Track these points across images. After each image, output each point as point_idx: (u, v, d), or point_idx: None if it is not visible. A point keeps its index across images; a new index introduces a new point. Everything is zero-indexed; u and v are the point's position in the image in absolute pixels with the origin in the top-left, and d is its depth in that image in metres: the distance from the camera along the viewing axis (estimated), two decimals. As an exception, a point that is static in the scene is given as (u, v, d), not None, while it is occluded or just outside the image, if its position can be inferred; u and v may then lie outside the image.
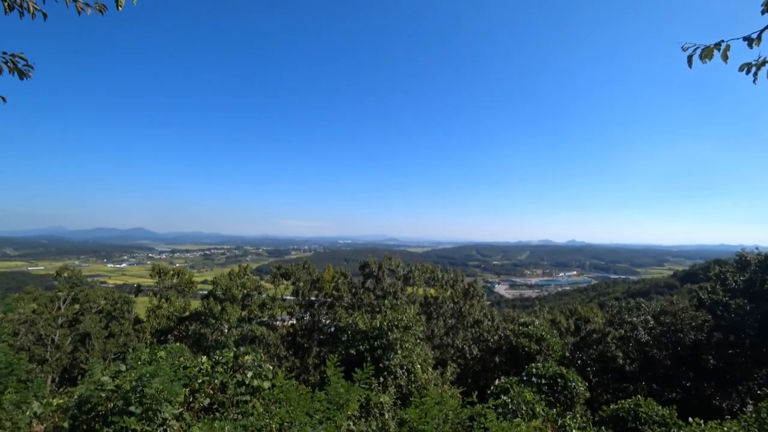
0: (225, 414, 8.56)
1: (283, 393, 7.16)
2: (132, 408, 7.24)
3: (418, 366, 13.93)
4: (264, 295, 33.23)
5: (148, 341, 31.20)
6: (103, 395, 7.40)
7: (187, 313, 32.58)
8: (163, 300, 32.52)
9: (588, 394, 13.89)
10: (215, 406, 8.96)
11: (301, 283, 32.56)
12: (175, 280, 33.33)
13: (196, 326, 30.61)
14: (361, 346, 13.84)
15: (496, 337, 23.87)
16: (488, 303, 41.59)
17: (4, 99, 3.51)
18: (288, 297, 35.09)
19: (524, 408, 10.97)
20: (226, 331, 30.62)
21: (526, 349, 19.46)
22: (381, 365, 13.20)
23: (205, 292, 32.61)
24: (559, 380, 13.67)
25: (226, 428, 6.99)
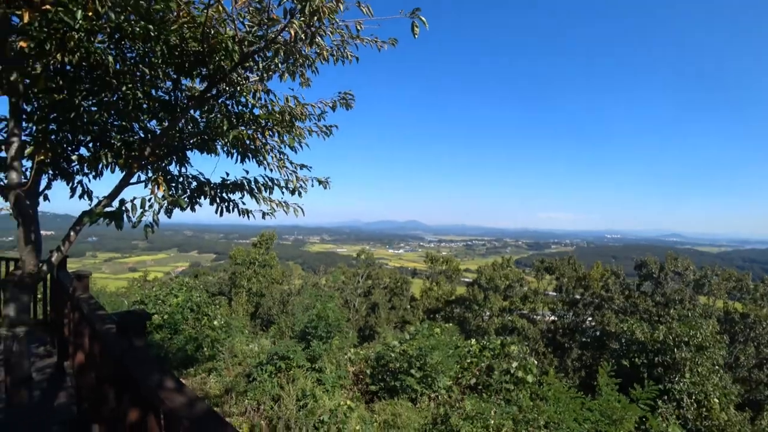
0: (489, 397, 8.95)
1: (552, 391, 7.06)
2: (413, 371, 8.42)
3: (715, 400, 11.18)
4: (525, 288, 33.11)
5: (421, 317, 35.64)
6: (392, 355, 8.79)
7: (453, 297, 35.53)
8: (434, 283, 36.53)
9: None
10: (479, 387, 9.44)
11: (565, 279, 31.08)
12: (444, 267, 36.96)
13: (461, 310, 33.28)
14: (636, 359, 12.24)
15: None
16: None
17: (336, 127, 4.43)
18: (550, 292, 33.85)
19: None
20: (487, 318, 31.99)
21: None
22: (661, 387, 11.29)
23: (468, 280, 34.94)
24: None
25: (493, 410, 7.31)
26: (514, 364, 9.37)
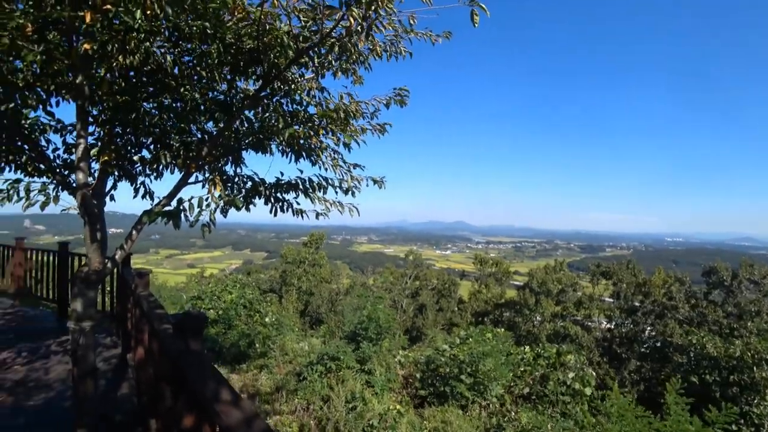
0: (544, 409, 8.55)
1: (616, 408, 6.54)
2: (463, 377, 8.14)
3: (808, 430, 10.07)
4: (579, 293, 31.61)
5: (469, 320, 34.98)
6: (443, 360, 8.55)
7: (503, 301, 34.59)
8: (482, 286, 35.74)
9: None
10: (533, 397, 9.06)
11: (624, 285, 29.18)
12: (493, 269, 36.05)
13: (511, 314, 32.29)
14: (708, 376, 11.18)
15: None
16: None
17: (390, 125, 4.26)
18: (606, 298, 32.08)
19: None
20: (538, 323, 30.84)
21: None
22: (738, 409, 10.26)
23: (518, 283, 33.83)
24: None
25: (550, 425, 6.94)
26: (571, 375, 8.88)
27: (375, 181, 4.52)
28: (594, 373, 10.00)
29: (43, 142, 4.04)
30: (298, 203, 4.44)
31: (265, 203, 4.24)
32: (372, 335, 8.59)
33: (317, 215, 4.76)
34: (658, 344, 26.55)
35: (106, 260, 3.35)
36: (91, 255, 3.00)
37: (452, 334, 17.58)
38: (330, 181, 4.26)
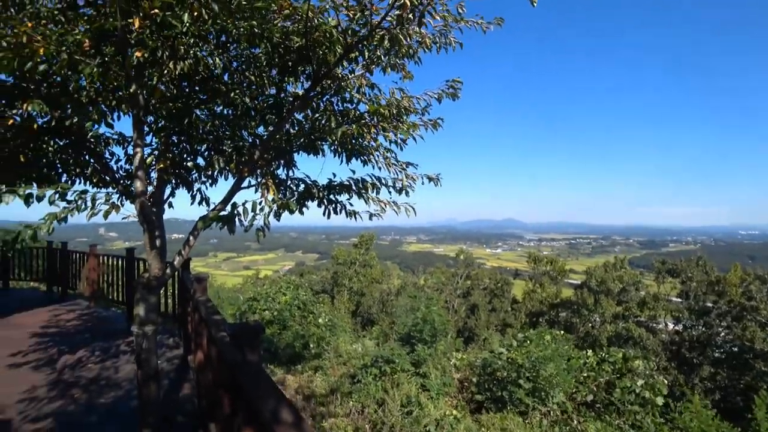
0: (611, 419, 7.98)
1: (696, 422, 5.94)
2: (521, 381, 7.73)
3: None
4: (642, 293, 29.63)
5: (523, 321, 33.81)
6: (499, 363, 8.17)
7: (558, 300, 33.14)
8: (537, 285, 34.46)
9: None
10: (597, 405, 8.50)
11: (694, 284, 26.98)
12: (548, 267, 34.65)
13: (567, 314, 30.82)
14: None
15: None
16: None
17: (442, 119, 4.02)
18: (673, 298, 29.83)
19: None
20: (597, 324, 29.23)
21: None
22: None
23: (574, 282, 32.25)
24: None
25: (621, 438, 6.43)
26: (639, 383, 8.22)
27: (430, 179, 4.33)
28: (666, 381, 9.34)
29: (107, 155, 4.22)
30: (351, 204, 4.35)
31: (318, 205, 4.17)
32: (426, 337, 8.38)
33: (370, 216, 4.64)
34: (735, 349, 24.28)
35: (166, 266, 3.39)
36: (151, 261, 3.04)
37: (507, 335, 16.97)
38: (383, 180, 4.12)
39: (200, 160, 4.17)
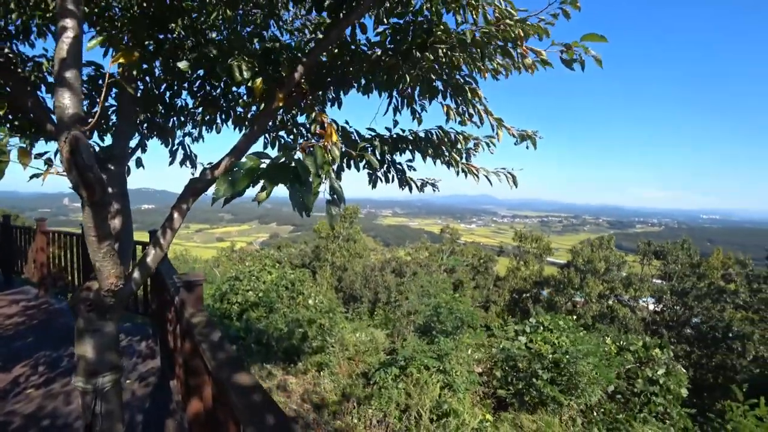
0: (636, 412, 7.23)
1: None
2: (553, 376, 7.11)
3: None
4: (623, 273, 29.55)
5: (507, 298, 33.46)
6: (516, 352, 7.61)
7: (542, 278, 32.82)
8: (521, 262, 33.99)
9: None
10: (618, 396, 7.85)
11: (678, 266, 26.78)
12: (533, 245, 34.13)
13: (550, 292, 30.46)
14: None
15: None
16: None
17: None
18: (654, 279, 29.96)
19: None
20: (581, 302, 29.11)
21: None
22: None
23: (552, 260, 31.79)
24: None
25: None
26: (660, 372, 7.66)
27: (527, 137, 2.89)
28: (684, 370, 8.82)
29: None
30: (413, 168, 2.94)
31: (368, 168, 2.75)
32: (449, 328, 7.14)
33: (433, 187, 3.26)
34: (711, 329, 24.50)
35: (131, 268, 1.92)
36: (100, 264, 1.54)
37: (507, 322, 16.06)
38: (473, 137, 2.72)
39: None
